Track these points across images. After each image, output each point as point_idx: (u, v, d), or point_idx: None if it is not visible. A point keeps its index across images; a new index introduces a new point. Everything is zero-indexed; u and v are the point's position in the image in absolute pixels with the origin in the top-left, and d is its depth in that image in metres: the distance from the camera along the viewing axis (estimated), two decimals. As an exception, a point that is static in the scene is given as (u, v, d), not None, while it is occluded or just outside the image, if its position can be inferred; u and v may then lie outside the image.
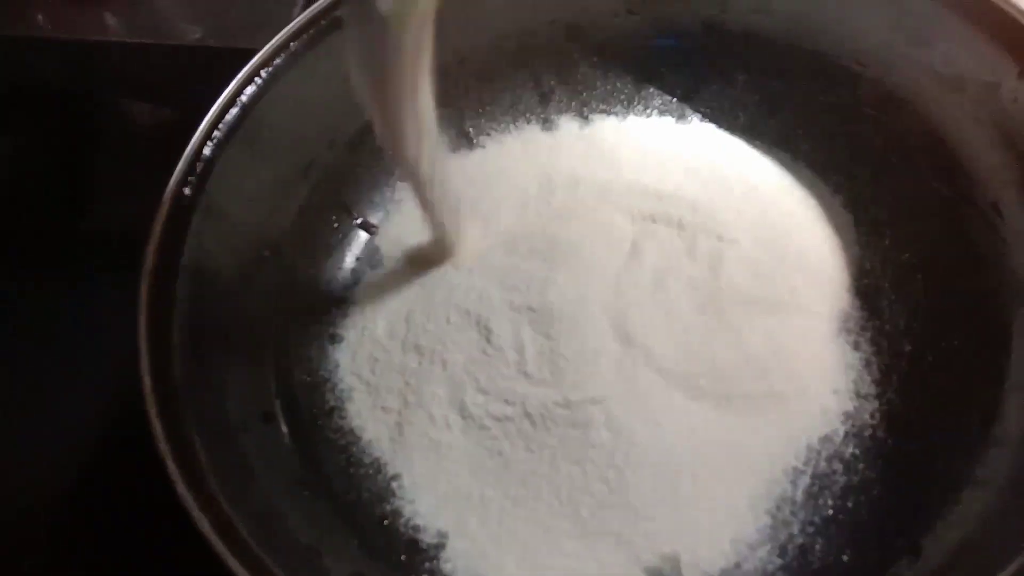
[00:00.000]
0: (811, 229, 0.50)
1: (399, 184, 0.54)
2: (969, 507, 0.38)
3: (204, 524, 0.33)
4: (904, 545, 0.38)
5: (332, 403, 0.47)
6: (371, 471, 0.45)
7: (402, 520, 0.43)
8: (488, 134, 0.55)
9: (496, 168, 0.54)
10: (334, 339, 0.49)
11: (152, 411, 0.36)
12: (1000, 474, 0.38)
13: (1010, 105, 0.43)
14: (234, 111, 0.45)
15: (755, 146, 0.53)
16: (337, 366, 0.48)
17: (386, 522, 0.43)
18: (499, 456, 0.43)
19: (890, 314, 0.46)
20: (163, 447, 0.35)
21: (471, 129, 0.55)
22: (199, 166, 0.43)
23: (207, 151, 0.44)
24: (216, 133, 0.44)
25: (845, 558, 0.39)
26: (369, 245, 0.52)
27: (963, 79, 0.45)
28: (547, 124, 0.56)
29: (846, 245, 0.49)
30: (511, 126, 0.56)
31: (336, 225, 0.52)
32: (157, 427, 0.35)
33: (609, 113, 0.56)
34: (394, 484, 0.44)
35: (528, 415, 0.42)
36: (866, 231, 0.49)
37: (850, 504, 0.41)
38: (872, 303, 0.47)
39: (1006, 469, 0.38)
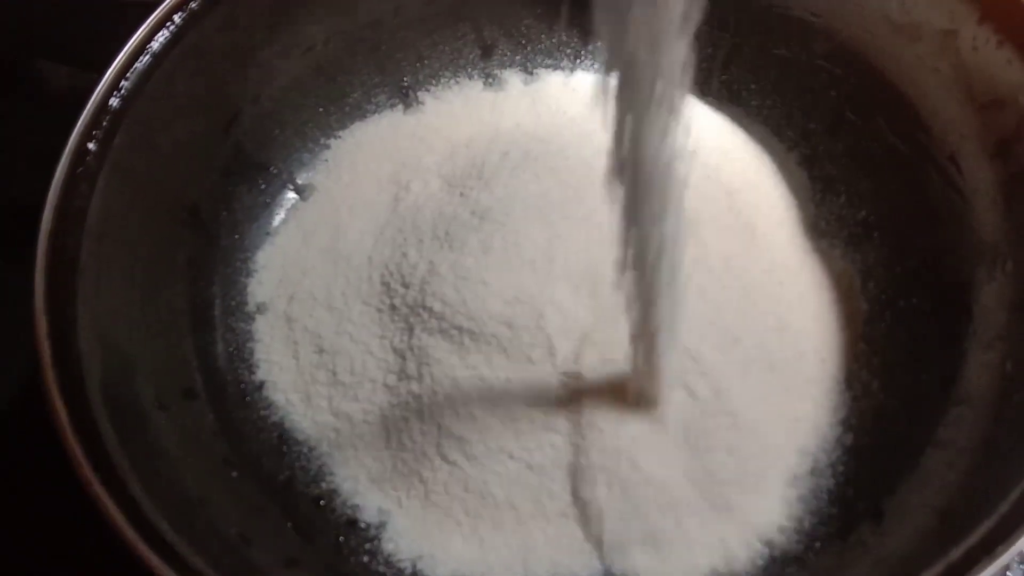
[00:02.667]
0: (764, 187, 0.48)
1: (332, 143, 0.50)
2: (931, 469, 0.36)
3: (112, 511, 0.29)
4: (865, 508, 0.37)
5: (261, 377, 0.43)
6: (304, 449, 0.42)
7: (339, 500, 0.40)
8: (427, 91, 0.52)
9: (436, 127, 0.50)
10: (260, 309, 0.45)
11: (52, 390, 0.32)
12: (962, 434, 0.36)
13: (969, 53, 0.41)
14: (145, 59, 0.41)
15: (706, 102, 0.51)
16: (263, 338, 0.44)
17: (322, 502, 0.40)
18: (439, 426, 0.40)
19: (846, 274, 0.45)
20: (65, 427, 0.31)
21: (408, 86, 0.52)
22: (105, 119, 0.39)
23: (114, 103, 0.39)
24: (124, 83, 0.40)
25: (806, 523, 0.38)
26: (298, 208, 0.49)
27: (920, 27, 0.43)
28: (490, 80, 0.52)
29: (801, 203, 0.47)
30: (452, 82, 0.52)
31: (263, 187, 0.48)
32: (58, 406, 0.32)
33: (556, 68, 0.53)
34: (328, 462, 0.41)
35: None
36: (821, 188, 0.48)
37: (809, 468, 0.39)
38: (828, 262, 0.45)
39: (968, 429, 0.36)
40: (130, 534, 0.29)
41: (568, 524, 0.38)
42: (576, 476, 0.38)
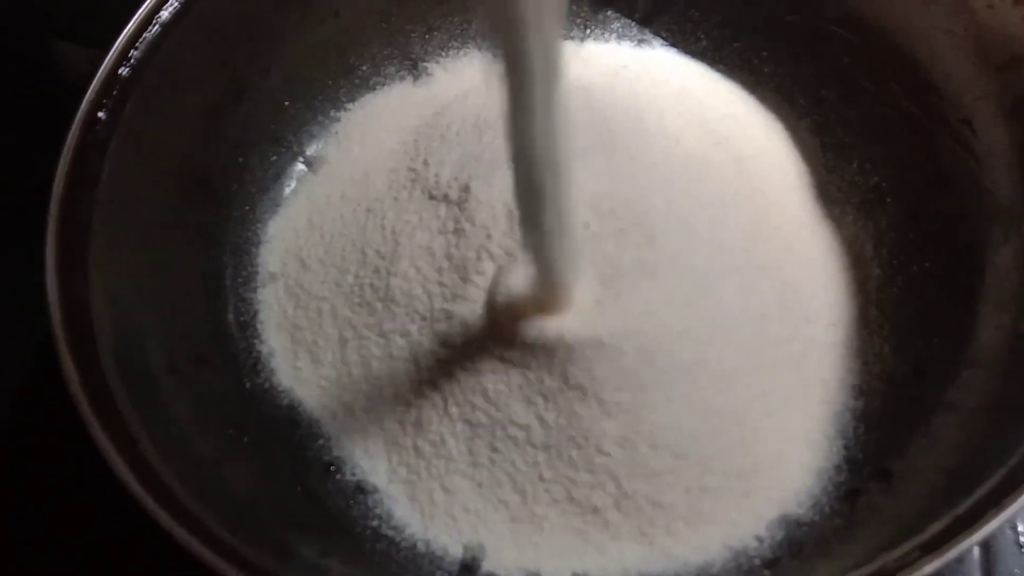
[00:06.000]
0: (775, 154, 0.47)
1: (342, 115, 0.50)
2: (941, 431, 0.36)
3: (121, 469, 0.29)
4: (874, 471, 0.37)
5: (271, 345, 0.44)
6: (314, 416, 0.42)
7: (348, 466, 0.41)
8: (437, 62, 0.52)
9: (446, 99, 0.50)
10: (271, 278, 0.46)
11: (64, 352, 0.33)
12: (973, 396, 0.36)
13: (984, 13, 0.41)
14: (154, 29, 0.41)
15: (718, 70, 0.51)
16: (273, 306, 0.45)
17: (332, 468, 0.41)
18: (447, 393, 0.40)
19: (858, 240, 0.44)
20: (76, 387, 0.31)
21: (418, 57, 0.52)
22: (115, 88, 0.39)
23: (124, 72, 0.40)
24: (133, 53, 0.40)
25: (815, 488, 0.38)
26: (307, 180, 0.49)
27: (934, -12, 0.43)
28: (499, 51, 0.52)
29: (812, 170, 0.47)
30: (461, 53, 0.52)
31: (274, 159, 0.48)
32: (70, 367, 0.32)
33: (566, 37, 0.52)
34: (337, 429, 0.42)
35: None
36: (833, 155, 0.47)
37: (818, 433, 0.39)
38: (839, 228, 0.45)
39: (979, 391, 0.36)
40: (139, 490, 0.30)
41: (577, 490, 0.38)
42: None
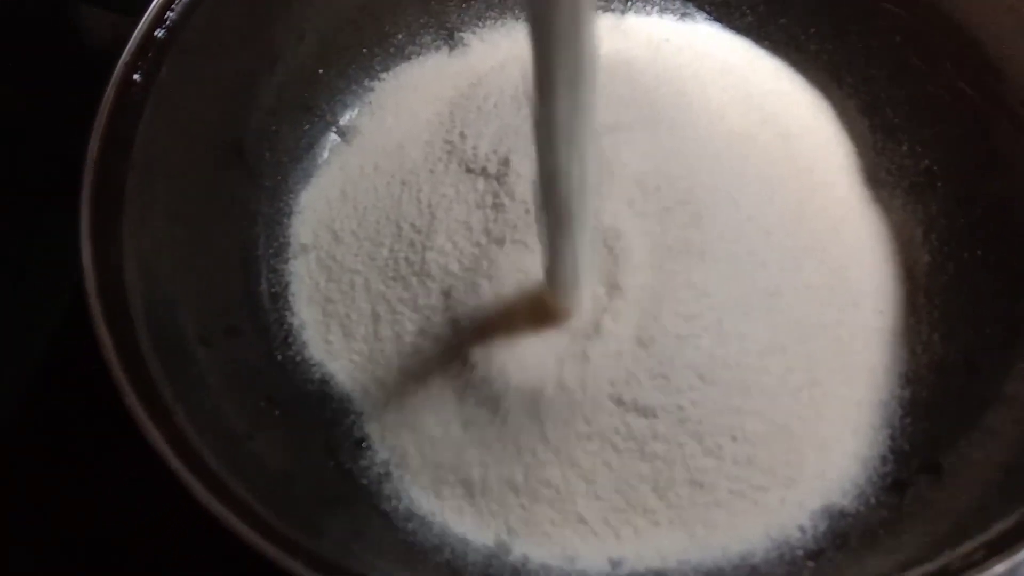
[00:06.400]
0: (822, 134, 0.46)
1: (376, 84, 0.49)
2: (996, 425, 0.35)
3: (157, 439, 0.29)
4: (922, 463, 0.36)
5: (303, 317, 0.43)
6: (345, 390, 0.41)
7: (379, 443, 0.40)
8: (473, 32, 0.51)
9: (483, 69, 0.49)
10: (303, 249, 0.45)
11: (98, 319, 0.32)
12: (1029, 390, 0.35)
13: (1052, -10, 0.39)
14: (189, -7, 0.40)
15: (763, 46, 0.49)
16: (305, 278, 0.44)
17: (364, 444, 0.40)
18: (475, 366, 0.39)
19: (907, 225, 0.43)
20: (111, 355, 0.31)
21: (454, 27, 0.51)
22: (150, 51, 0.38)
23: (159, 34, 0.39)
24: (169, 15, 0.39)
25: (861, 479, 0.37)
26: (340, 150, 0.48)
27: (996, -40, 0.41)
28: (538, 21, 0.51)
29: (861, 151, 0.46)
30: (498, 23, 0.51)
31: (306, 127, 0.47)
32: (104, 334, 0.31)
33: (606, 10, 0.51)
34: (369, 403, 0.41)
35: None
36: (882, 137, 0.46)
37: (865, 423, 0.38)
38: (888, 212, 0.43)
39: (1036, 384, 0.35)
40: (175, 463, 0.29)
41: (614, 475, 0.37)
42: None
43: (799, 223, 0.42)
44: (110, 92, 0.37)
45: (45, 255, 0.48)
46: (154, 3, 0.39)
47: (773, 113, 0.46)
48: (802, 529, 0.36)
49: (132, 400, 0.30)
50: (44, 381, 0.44)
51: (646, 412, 0.36)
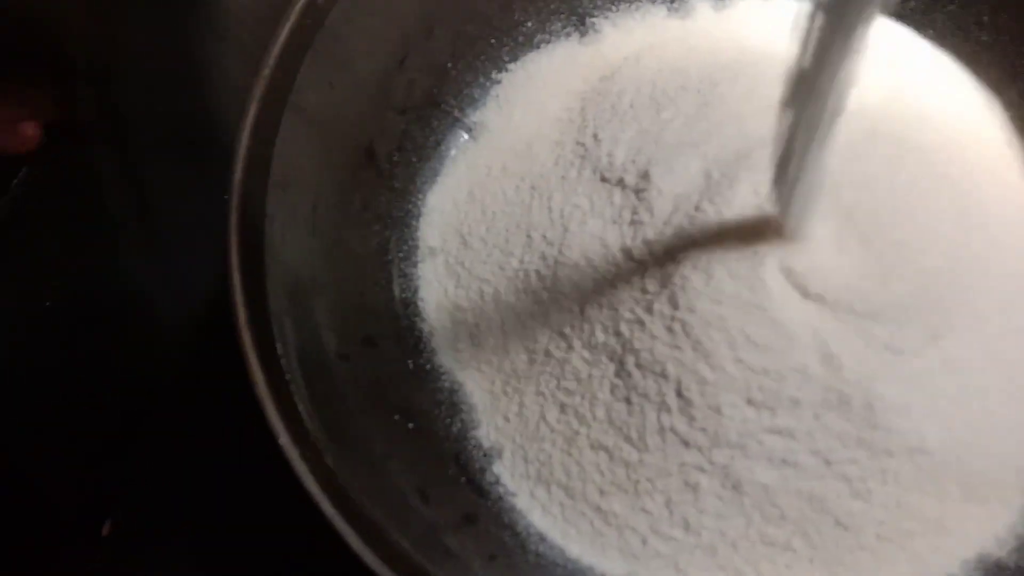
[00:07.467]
0: (993, 141, 0.42)
1: (503, 76, 0.47)
2: None
3: (314, 490, 0.29)
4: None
5: (432, 324, 0.43)
6: (475, 401, 0.41)
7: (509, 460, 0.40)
8: (606, 17, 0.48)
9: (616, 60, 0.47)
10: (432, 252, 0.44)
11: (252, 357, 0.32)
12: None
13: None
14: (322, -3, 0.39)
15: (926, 36, 0.45)
16: (434, 283, 0.43)
17: (494, 458, 0.40)
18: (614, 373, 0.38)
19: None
20: (265, 397, 0.31)
21: (585, 12, 0.48)
22: (287, 61, 0.38)
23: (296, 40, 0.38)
24: (306, 21, 0.38)
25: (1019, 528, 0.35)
26: (467, 148, 0.46)
27: None
28: (675, 5, 0.48)
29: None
30: (633, 8, 0.48)
31: (434, 124, 0.46)
32: (257, 372, 0.32)
33: (743, -7, 0.47)
34: (499, 416, 0.41)
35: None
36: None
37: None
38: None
39: None
40: (329, 509, 0.29)
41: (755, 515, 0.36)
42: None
43: (953, 249, 0.39)
44: (252, 108, 0.36)
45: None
46: (295, 12, 0.38)
47: (936, 114, 0.42)
48: (953, 580, 0.34)
49: (285, 440, 0.30)
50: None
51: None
